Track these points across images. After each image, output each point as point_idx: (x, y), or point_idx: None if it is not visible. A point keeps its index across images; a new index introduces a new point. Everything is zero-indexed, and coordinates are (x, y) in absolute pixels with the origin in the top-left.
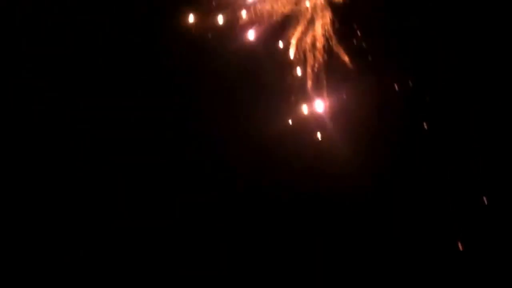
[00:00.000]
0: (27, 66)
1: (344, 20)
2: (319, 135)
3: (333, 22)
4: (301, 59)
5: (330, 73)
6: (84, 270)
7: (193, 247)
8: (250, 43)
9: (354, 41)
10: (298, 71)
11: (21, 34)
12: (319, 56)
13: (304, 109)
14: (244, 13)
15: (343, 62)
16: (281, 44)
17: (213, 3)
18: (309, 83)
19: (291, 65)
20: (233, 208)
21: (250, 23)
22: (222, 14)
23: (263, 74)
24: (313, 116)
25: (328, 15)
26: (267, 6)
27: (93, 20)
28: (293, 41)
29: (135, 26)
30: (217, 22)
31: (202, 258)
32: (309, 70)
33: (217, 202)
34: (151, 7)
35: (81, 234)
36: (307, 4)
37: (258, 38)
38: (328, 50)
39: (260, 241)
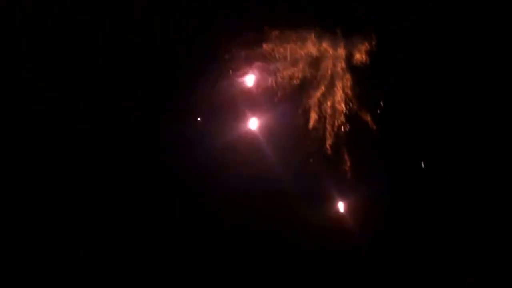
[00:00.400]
0: (27, 66)
1: (366, 84)
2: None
3: (354, 86)
4: (321, 122)
5: (351, 138)
6: (84, 270)
7: (192, 248)
8: (269, 107)
9: (377, 108)
10: (317, 134)
11: (21, 34)
12: (339, 120)
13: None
14: (265, 77)
15: (365, 126)
16: (300, 108)
17: (230, 71)
18: (328, 144)
19: (310, 129)
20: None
21: (271, 87)
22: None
23: (280, 138)
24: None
25: (349, 79)
26: (288, 71)
27: (93, 20)
28: (313, 105)
29: (135, 26)
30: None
31: (200, 258)
32: (328, 128)
33: (216, 204)
34: (151, 7)
35: (81, 233)
36: (328, 67)
37: (278, 102)
38: (348, 114)
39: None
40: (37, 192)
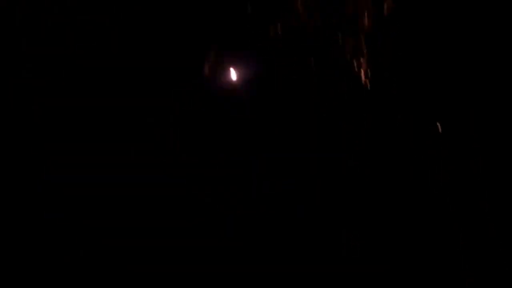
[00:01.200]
0: (27, 66)
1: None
2: None
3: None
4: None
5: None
6: (84, 270)
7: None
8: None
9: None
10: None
11: (21, 34)
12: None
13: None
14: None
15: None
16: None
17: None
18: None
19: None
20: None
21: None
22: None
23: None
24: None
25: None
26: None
27: (93, 20)
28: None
29: (136, 26)
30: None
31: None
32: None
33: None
34: (152, 7)
35: (81, 234)
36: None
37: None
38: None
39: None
40: (36, 192)
